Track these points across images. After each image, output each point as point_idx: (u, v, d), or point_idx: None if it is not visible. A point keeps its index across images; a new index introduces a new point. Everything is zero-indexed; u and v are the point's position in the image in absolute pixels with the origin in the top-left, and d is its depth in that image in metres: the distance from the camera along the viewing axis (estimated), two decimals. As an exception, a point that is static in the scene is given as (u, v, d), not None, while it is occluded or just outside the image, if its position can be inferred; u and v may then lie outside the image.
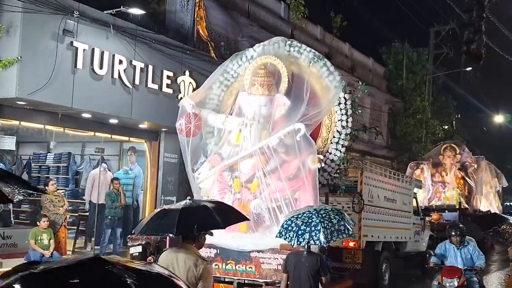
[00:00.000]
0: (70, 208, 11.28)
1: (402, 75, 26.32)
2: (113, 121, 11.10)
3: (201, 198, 7.95)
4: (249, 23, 15.78)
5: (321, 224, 5.90)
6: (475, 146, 25.77)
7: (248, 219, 6.46)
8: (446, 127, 29.57)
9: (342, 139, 8.47)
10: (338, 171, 8.62)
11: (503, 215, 8.47)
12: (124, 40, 10.48)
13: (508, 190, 29.00)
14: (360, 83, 10.69)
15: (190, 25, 13.26)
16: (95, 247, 11.39)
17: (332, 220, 6.05)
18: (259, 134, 8.36)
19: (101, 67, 10.01)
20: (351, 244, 10.25)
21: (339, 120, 8.52)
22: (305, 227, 5.94)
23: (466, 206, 19.17)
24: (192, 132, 8.51)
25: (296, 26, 18.79)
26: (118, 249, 11.63)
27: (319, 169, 8.04)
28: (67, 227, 11.31)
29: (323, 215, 6.11)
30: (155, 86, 11.25)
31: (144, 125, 11.82)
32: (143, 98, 11.01)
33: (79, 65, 9.59)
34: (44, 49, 9.05)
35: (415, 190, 14.70)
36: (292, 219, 6.19)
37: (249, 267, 7.56)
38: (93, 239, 11.47)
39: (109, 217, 11.38)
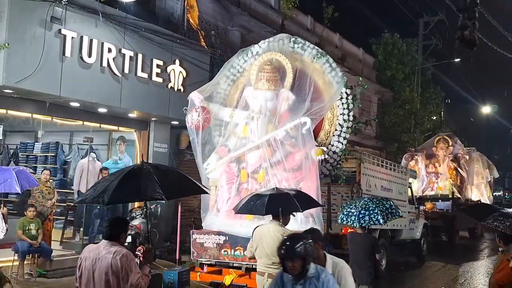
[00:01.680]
0: (58, 198, 11.15)
1: (392, 65, 26.40)
2: (102, 110, 10.97)
3: (209, 188, 8.38)
4: (240, 12, 15.67)
5: (378, 208, 7.39)
6: (462, 137, 25.98)
7: (322, 205, 7.79)
8: (435, 117, 29.77)
9: (344, 132, 8.98)
10: (340, 162, 9.13)
11: (491, 205, 8.64)
12: (113, 28, 10.32)
13: (498, 180, 29.40)
14: (360, 79, 11.35)
15: (180, 14, 13.14)
16: (84, 237, 11.30)
17: (385, 205, 7.59)
18: (266, 127, 8.70)
19: (89, 55, 9.86)
20: (350, 231, 10.47)
21: (341, 114, 8.99)
22: (364, 211, 7.35)
23: (459, 196, 19.79)
24: (201, 125, 8.88)
25: (286, 15, 18.73)
26: (107, 239, 11.54)
27: (322, 161, 8.50)
28: (55, 217, 11.23)
29: (377, 202, 7.61)
30: (145, 75, 11.12)
31: (133, 114, 11.70)
32: (133, 87, 10.88)
33: (68, 53, 9.44)
34: (31, 37, 8.87)
35: (410, 180, 15.24)
36: (349, 208, 7.60)
37: None
38: (81, 229, 11.37)
39: (98, 207, 11.29)
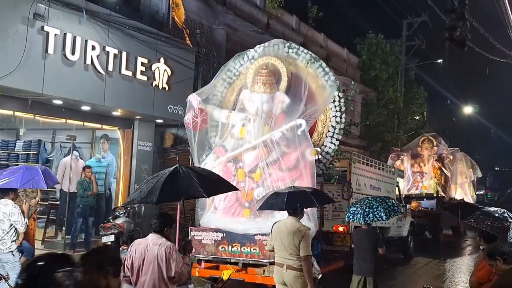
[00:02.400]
0: (40, 197, 11.02)
1: (376, 65, 26.60)
2: (85, 108, 10.87)
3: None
4: (225, 11, 15.64)
5: (381, 206, 8.09)
6: (445, 137, 26.29)
7: (333, 201, 8.54)
8: (418, 117, 30.07)
9: (336, 133, 9.33)
10: (333, 162, 9.55)
11: (474, 204, 8.84)
12: (97, 26, 10.23)
13: (480, 180, 29.88)
14: (352, 82, 11.77)
15: (165, 12, 13.06)
16: (66, 236, 11.21)
17: (388, 203, 8.30)
18: (262, 128, 9.05)
19: (73, 53, 9.75)
20: (341, 228, 10.94)
21: (333, 116, 9.34)
22: (369, 209, 8.05)
23: (443, 194, 20.25)
24: (199, 126, 9.16)
25: (272, 15, 18.74)
26: (90, 239, 11.48)
27: (315, 161, 8.82)
28: (37, 216, 11.09)
29: (380, 201, 8.33)
30: (129, 73, 11.05)
31: (117, 113, 11.62)
32: (117, 85, 10.80)
33: (50, 50, 9.33)
34: (13, 33, 8.75)
35: (398, 179, 15.73)
36: (355, 207, 8.30)
37: (253, 249, 8.18)
38: (64, 228, 11.27)
39: (81, 206, 11.22)
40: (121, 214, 10.80)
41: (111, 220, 10.55)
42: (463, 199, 21.66)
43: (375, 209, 8.09)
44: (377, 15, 30.03)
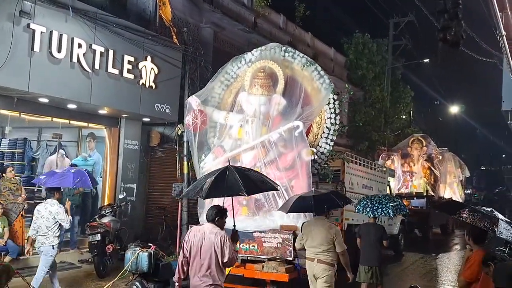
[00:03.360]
0: (26, 195, 10.95)
1: (362, 65, 26.73)
2: (71, 106, 10.82)
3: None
4: (212, 9, 15.64)
5: (390, 203, 8.95)
6: (432, 136, 26.51)
7: (351, 201, 8.84)
8: (404, 116, 30.29)
9: (331, 134, 9.72)
10: (327, 162, 9.98)
11: (462, 202, 9.08)
12: (84, 23, 10.19)
13: (467, 179, 30.30)
14: (346, 86, 11.97)
15: (152, 10, 13.04)
16: (53, 235, 11.12)
17: (395, 201, 9.16)
18: (260, 129, 9.41)
19: (59, 51, 9.70)
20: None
21: (328, 118, 9.72)
22: (378, 204, 8.89)
23: (432, 194, 20.86)
24: (199, 127, 9.50)
25: (259, 14, 18.77)
26: (76, 238, 11.43)
27: (311, 161, 9.13)
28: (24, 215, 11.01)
29: (389, 199, 9.21)
30: (116, 71, 11.01)
31: (103, 111, 11.57)
32: (103, 83, 10.76)
33: (36, 48, 9.28)
34: (-1, 31, 8.70)
35: (389, 178, 16.23)
36: (366, 201, 9.12)
37: (252, 246, 8.45)
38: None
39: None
40: (107, 213, 10.75)
41: (97, 219, 10.51)
42: (451, 198, 22.08)
43: (383, 205, 8.90)
44: (364, 14, 30.21)
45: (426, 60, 30.96)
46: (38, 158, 13.15)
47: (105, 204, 11.72)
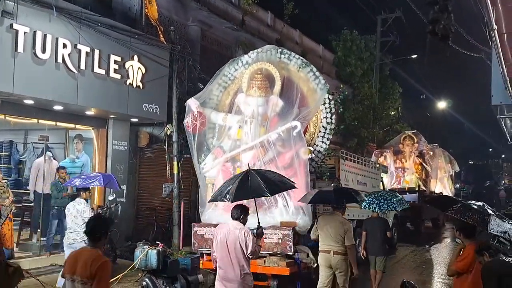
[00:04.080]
0: (13, 198, 10.79)
1: (351, 62, 26.74)
2: (57, 107, 10.65)
3: (206, 186, 9.74)
4: (199, 7, 15.54)
5: (394, 198, 9.84)
6: (419, 131, 26.62)
7: (365, 199, 9.65)
8: (393, 113, 30.38)
9: (327, 133, 10.00)
10: (324, 160, 10.33)
11: (454, 197, 9.26)
12: (68, 23, 10.02)
13: (456, 174, 30.80)
14: (341, 86, 11.71)
15: (138, 9, 12.89)
16: (42, 238, 10.99)
17: (397, 197, 10.03)
18: (258, 130, 9.72)
19: (43, 51, 9.54)
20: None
21: (324, 117, 10.01)
22: (383, 200, 9.72)
23: (424, 188, 21.59)
24: (198, 128, 9.77)
25: (247, 11, 18.69)
26: (66, 240, 11.27)
27: (308, 159, 9.45)
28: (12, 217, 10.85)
29: (392, 194, 10.29)
30: (102, 71, 10.86)
31: (91, 112, 11.42)
32: (90, 84, 10.61)
33: (20, 48, 9.11)
34: (-19, 31, 8.53)
35: (382, 174, 16.82)
36: (371, 197, 9.87)
37: None
38: (39, 230, 11.04)
39: (56, 207, 11.00)
40: (96, 215, 10.61)
41: (87, 221, 10.36)
42: (441, 193, 22.81)
43: (389, 201, 9.72)
44: (352, 11, 30.23)
45: (414, 56, 31.05)
46: (25, 161, 12.98)
47: (95, 205, 11.58)
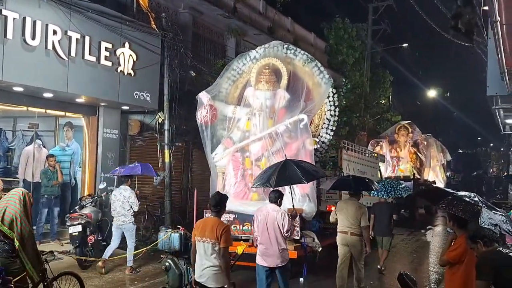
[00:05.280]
0: (2, 187, 10.66)
1: (342, 50, 26.64)
2: (47, 95, 10.51)
3: (217, 174, 10.40)
4: (190, -6, 15.34)
5: (400, 186, 11.30)
6: (409, 120, 26.69)
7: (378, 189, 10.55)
8: (383, 101, 30.39)
9: (331, 125, 10.78)
10: (328, 150, 11.12)
11: (445, 189, 9.24)
12: (58, 9, 9.85)
13: (447, 162, 31.23)
14: (344, 80, 13.22)
15: (129, -5, 12.69)
16: (32, 227, 10.87)
17: (402, 185, 11.50)
18: (266, 122, 10.30)
19: (33, 38, 9.38)
20: (333, 208, 11.74)
21: (328, 110, 10.76)
22: (391, 188, 11.09)
23: (418, 177, 22.52)
24: (210, 120, 10.33)
25: (238, -2, 18.49)
26: (56, 229, 11.22)
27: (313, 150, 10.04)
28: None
29: (397, 182, 11.81)
30: (93, 58, 10.71)
31: (81, 99, 11.28)
32: (80, 71, 10.47)
33: (9, 35, 8.95)
34: (-32, 17, 8.36)
35: (379, 163, 17.58)
36: (379, 185, 10.71)
37: None
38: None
39: (46, 196, 10.94)
40: (87, 203, 10.55)
41: (78, 210, 10.29)
42: (434, 181, 23.75)
43: (395, 188, 11.04)
44: (344, -1, 30.02)
45: (405, 45, 31.00)
46: (14, 149, 12.84)
47: (85, 194, 11.50)
